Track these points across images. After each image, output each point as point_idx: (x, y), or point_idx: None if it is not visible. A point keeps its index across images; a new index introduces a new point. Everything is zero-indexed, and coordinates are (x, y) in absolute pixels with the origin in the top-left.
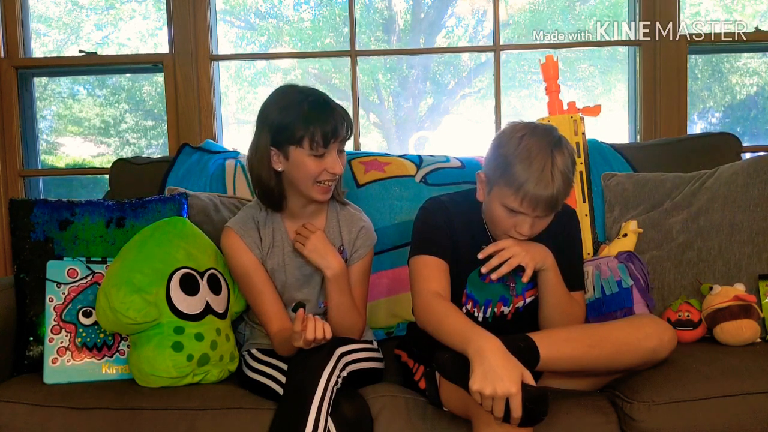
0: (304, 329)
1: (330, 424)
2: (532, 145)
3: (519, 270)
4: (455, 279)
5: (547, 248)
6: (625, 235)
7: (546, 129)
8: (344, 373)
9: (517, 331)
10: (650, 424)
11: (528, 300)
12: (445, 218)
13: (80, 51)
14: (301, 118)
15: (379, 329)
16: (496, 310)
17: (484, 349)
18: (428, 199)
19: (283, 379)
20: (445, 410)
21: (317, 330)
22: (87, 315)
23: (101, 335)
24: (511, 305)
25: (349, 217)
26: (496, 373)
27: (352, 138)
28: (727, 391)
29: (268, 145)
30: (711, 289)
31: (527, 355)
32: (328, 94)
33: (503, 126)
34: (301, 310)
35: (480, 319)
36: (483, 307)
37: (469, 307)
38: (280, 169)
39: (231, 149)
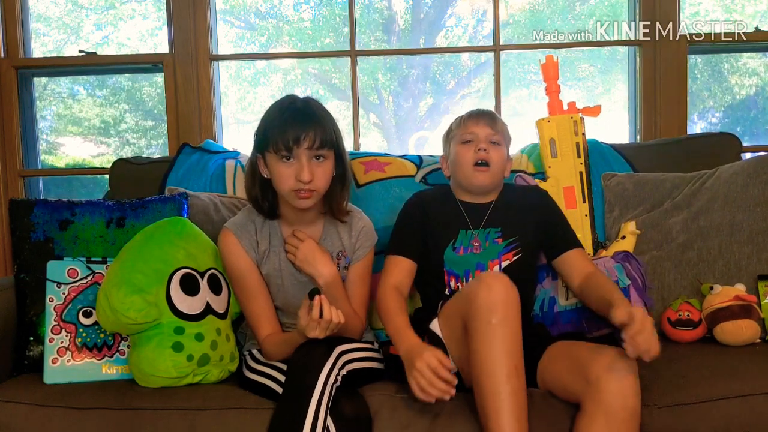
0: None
1: (329, 422)
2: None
3: (495, 235)
4: (436, 262)
5: None
6: (623, 237)
7: None
8: (344, 372)
9: None
10: (653, 428)
11: (504, 264)
12: (418, 212)
13: (80, 51)
14: (272, 123)
15: (380, 330)
16: None
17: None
18: (414, 193)
19: (283, 379)
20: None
21: (333, 312)
22: (87, 315)
23: (101, 335)
24: (488, 270)
25: (348, 220)
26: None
27: (352, 139)
28: (728, 393)
29: (255, 151)
30: (711, 289)
31: None
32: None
33: None
34: (317, 297)
35: None
36: (464, 278)
37: (452, 284)
38: (266, 176)
39: (231, 149)
